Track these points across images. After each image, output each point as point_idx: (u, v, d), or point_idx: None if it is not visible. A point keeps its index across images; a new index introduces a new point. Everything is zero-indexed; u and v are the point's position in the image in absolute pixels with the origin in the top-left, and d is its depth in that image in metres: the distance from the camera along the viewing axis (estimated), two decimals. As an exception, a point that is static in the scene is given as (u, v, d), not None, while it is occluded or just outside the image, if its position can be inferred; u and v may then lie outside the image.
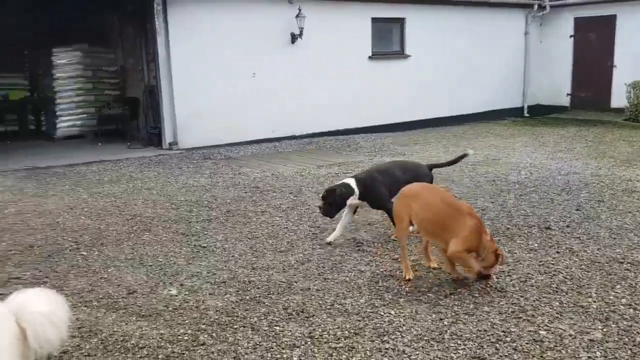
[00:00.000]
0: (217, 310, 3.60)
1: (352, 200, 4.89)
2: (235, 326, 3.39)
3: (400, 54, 13.71)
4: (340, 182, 5.07)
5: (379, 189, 4.94)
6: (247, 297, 3.82)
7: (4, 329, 2.41)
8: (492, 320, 3.43)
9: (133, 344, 3.15)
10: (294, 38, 11.94)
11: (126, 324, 3.41)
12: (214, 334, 3.28)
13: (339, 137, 12.06)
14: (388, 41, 13.70)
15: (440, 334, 3.25)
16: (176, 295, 3.86)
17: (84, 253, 4.81)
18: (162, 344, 3.15)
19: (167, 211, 6.23)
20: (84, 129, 12.95)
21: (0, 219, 5.98)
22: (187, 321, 3.45)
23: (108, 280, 4.17)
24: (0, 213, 6.26)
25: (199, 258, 4.64)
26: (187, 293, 3.90)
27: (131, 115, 12.60)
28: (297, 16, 11.69)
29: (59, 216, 6.06)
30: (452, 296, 3.79)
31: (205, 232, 5.38)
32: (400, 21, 13.55)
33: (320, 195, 5.17)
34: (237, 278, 4.17)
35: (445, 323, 3.40)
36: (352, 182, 4.91)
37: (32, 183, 7.96)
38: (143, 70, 12.10)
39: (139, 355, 3.01)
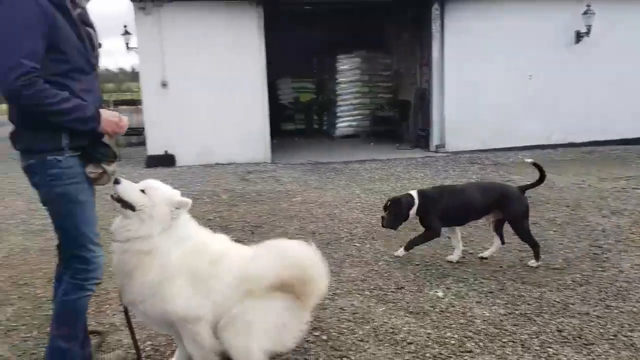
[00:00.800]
0: (484, 320, 3.51)
1: (413, 212, 4.55)
2: (503, 339, 3.26)
3: None
4: (405, 193, 4.72)
5: (432, 208, 4.54)
6: (517, 312, 3.64)
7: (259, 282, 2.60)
8: None
9: (401, 337, 3.27)
10: (579, 37, 10.99)
11: (395, 317, 3.56)
12: (480, 344, 3.21)
13: (629, 147, 10.66)
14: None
15: None
16: (442, 298, 3.88)
17: (357, 244, 5.19)
18: (429, 343, 3.20)
19: (434, 213, 6.30)
20: (358, 129, 14.01)
21: (290, 206, 6.83)
22: (453, 325, 3.44)
23: (378, 273, 4.41)
24: (290, 201, 7.16)
25: (465, 264, 4.59)
26: (453, 297, 3.89)
27: (401, 118, 13.15)
28: (584, 13, 10.72)
29: (336, 208, 6.65)
30: None
31: (471, 239, 5.29)
32: None
33: (382, 205, 4.81)
34: (506, 290, 4.01)
35: None
36: (414, 194, 4.61)
37: (315, 176, 8.91)
38: (416, 73, 12.49)
39: (407, 350, 3.12)
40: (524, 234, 4.56)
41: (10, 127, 2.51)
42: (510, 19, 10.94)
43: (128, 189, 2.54)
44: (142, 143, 11.74)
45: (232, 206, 6.91)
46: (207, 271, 2.58)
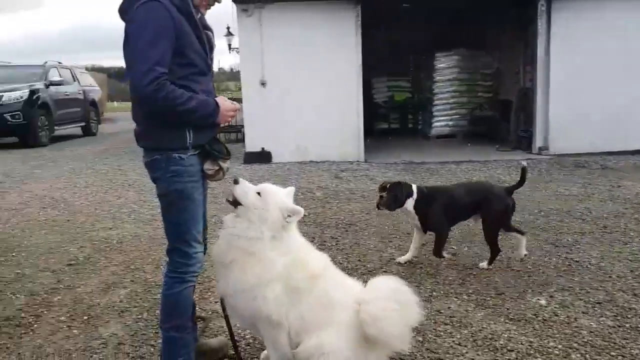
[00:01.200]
0: (590, 332, 3.32)
1: (410, 205, 4.44)
2: (612, 353, 3.06)
3: None
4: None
5: (435, 206, 4.44)
6: (627, 325, 3.40)
7: (346, 313, 2.60)
8: None
9: (501, 344, 3.16)
10: None
11: (494, 323, 3.45)
12: (587, 356, 3.03)
13: None
14: None
15: None
16: (545, 306, 3.71)
17: (455, 247, 5.08)
18: (531, 352, 3.07)
19: (536, 218, 6.05)
20: (455, 129, 13.67)
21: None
22: (557, 335, 3.28)
23: (476, 277, 4.29)
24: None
25: (571, 272, 4.35)
26: (557, 306, 3.70)
27: (501, 118, 12.68)
28: None
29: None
30: None
31: (577, 246, 5.01)
32: None
33: (379, 186, 4.62)
34: (615, 301, 3.76)
35: None
36: (413, 186, 4.50)
37: (409, 176, 8.80)
38: (519, 72, 12.00)
39: (507, 357, 3.01)
40: (491, 236, 4.47)
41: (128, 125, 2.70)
42: (623, 14, 10.22)
43: (245, 190, 2.60)
44: (241, 140, 12.19)
45: (325, 203, 6.99)
46: (304, 284, 2.59)
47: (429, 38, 13.76)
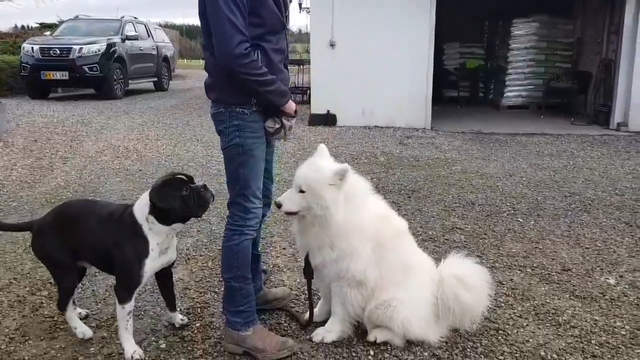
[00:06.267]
0: (662, 316, 3.17)
1: None
2: (685, 340, 2.92)
3: None
4: None
5: None
6: None
7: (421, 278, 2.79)
8: None
9: (564, 320, 3.08)
10: None
11: (558, 298, 3.36)
12: (656, 340, 2.91)
13: None
14: None
15: None
16: (614, 286, 3.57)
17: (520, 220, 4.94)
18: (596, 330, 2.96)
19: (610, 195, 5.78)
20: (528, 100, 13.13)
21: (449, 174, 6.68)
22: (625, 315, 3.15)
23: (542, 251, 4.17)
24: (449, 169, 7.00)
25: (644, 253, 4.15)
26: (626, 286, 3.56)
27: (579, 90, 12.04)
28: None
29: (499, 181, 6.37)
30: None
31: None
32: None
33: None
34: (693, 287, 3.56)
35: None
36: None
37: (477, 146, 8.58)
38: (602, 42, 11.30)
39: (570, 334, 2.93)
40: None
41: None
42: None
43: (289, 205, 2.59)
44: (306, 101, 12.19)
45: (388, 169, 6.93)
46: (388, 242, 2.72)
47: (506, 3, 13.12)
